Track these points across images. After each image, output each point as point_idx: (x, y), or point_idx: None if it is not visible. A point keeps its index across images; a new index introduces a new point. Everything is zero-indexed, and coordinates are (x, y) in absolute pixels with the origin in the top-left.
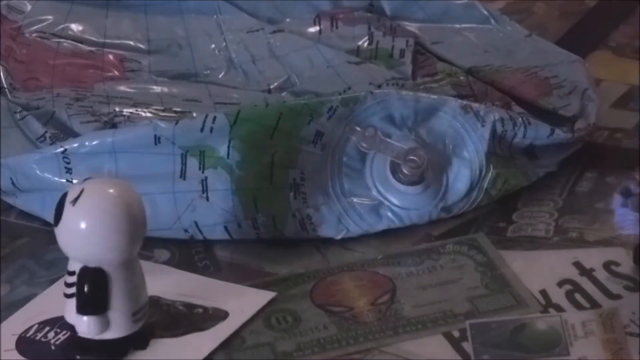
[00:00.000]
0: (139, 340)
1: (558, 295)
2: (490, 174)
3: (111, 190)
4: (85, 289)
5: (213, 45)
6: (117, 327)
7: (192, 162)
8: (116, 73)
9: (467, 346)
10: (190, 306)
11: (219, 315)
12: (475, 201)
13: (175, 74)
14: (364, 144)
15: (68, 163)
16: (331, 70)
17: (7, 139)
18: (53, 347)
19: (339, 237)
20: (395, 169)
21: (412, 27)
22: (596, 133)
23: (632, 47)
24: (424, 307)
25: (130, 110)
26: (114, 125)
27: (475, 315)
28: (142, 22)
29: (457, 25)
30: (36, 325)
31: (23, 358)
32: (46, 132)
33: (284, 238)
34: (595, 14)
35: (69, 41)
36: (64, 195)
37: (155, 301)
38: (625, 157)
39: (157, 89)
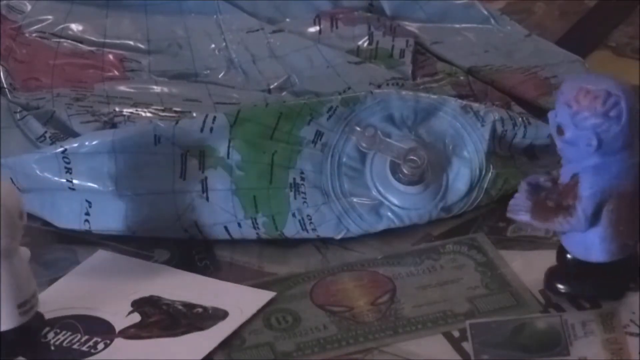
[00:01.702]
0: (29, 334)
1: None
2: (490, 174)
3: None
4: None
5: (213, 45)
6: (3, 319)
7: (192, 162)
8: (116, 73)
9: (467, 346)
10: (190, 306)
11: (219, 315)
12: (475, 201)
13: (175, 74)
14: (363, 144)
15: (68, 163)
16: (331, 70)
17: (7, 139)
18: (53, 348)
19: (339, 237)
20: (395, 169)
21: (412, 27)
22: None
23: (632, 47)
24: (424, 307)
25: (130, 110)
26: (114, 125)
27: (475, 315)
28: (142, 22)
29: (457, 25)
30: None
31: (23, 358)
32: (46, 132)
33: (284, 238)
34: (595, 14)
35: (69, 41)
36: None
37: (155, 301)
38: None
39: (157, 89)
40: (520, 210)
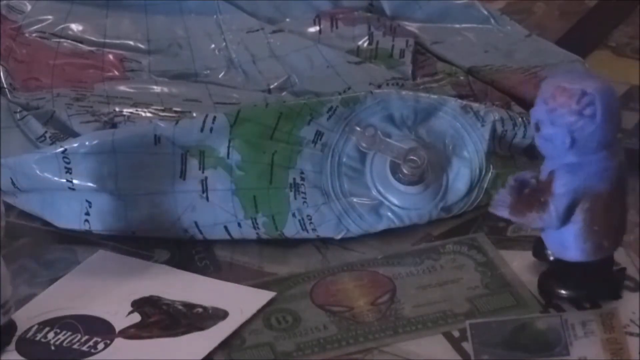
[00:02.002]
0: (4, 334)
1: None
2: (490, 174)
3: None
4: None
5: (213, 45)
6: None
7: (192, 162)
8: (116, 73)
9: (467, 346)
10: (190, 306)
11: (219, 315)
12: (475, 201)
13: (175, 74)
14: (363, 144)
15: (68, 163)
16: (331, 70)
17: (7, 139)
18: (53, 348)
19: (339, 237)
20: (395, 169)
21: (412, 27)
22: None
23: (632, 47)
24: (424, 307)
25: (130, 110)
26: (114, 125)
27: (475, 315)
28: (142, 22)
29: (457, 25)
30: (36, 326)
31: (23, 358)
32: (46, 132)
33: (284, 238)
34: (595, 14)
35: (69, 41)
36: None
37: (155, 301)
38: (625, 157)
39: (157, 89)
40: (501, 205)
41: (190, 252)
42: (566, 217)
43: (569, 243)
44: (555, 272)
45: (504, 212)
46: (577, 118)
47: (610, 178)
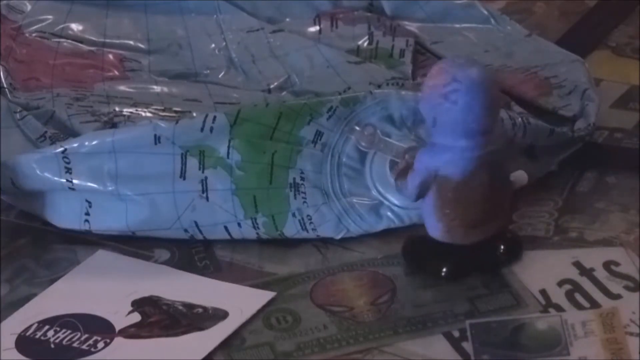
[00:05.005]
0: None
1: (558, 295)
2: None
3: None
4: None
5: (213, 45)
6: None
7: (192, 162)
8: (116, 73)
9: (467, 346)
10: (190, 306)
11: (219, 315)
12: None
13: (175, 73)
14: (363, 143)
15: (68, 163)
16: (331, 70)
17: (7, 139)
18: (52, 346)
19: (339, 237)
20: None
21: (412, 26)
22: (596, 133)
23: (632, 47)
24: (424, 307)
25: (130, 110)
26: (114, 125)
27: (475, 315)
28: (142, 22)
29: (457, 25)
30: (35, 324)
31: (23, 357)
32: (46, 132)
33: (284, 238)
34: (595, 14)
35: (69, 41)
36: None
37: (155, 301)
38: (625, 157)
39: (157, 88)
40: (394, 170)
41: (190, 252)
42: (420, 192)
43: (424, 217)
44: (421, 240)
45: (392, 178)
46: (442, 101)
47: (464, 168)
